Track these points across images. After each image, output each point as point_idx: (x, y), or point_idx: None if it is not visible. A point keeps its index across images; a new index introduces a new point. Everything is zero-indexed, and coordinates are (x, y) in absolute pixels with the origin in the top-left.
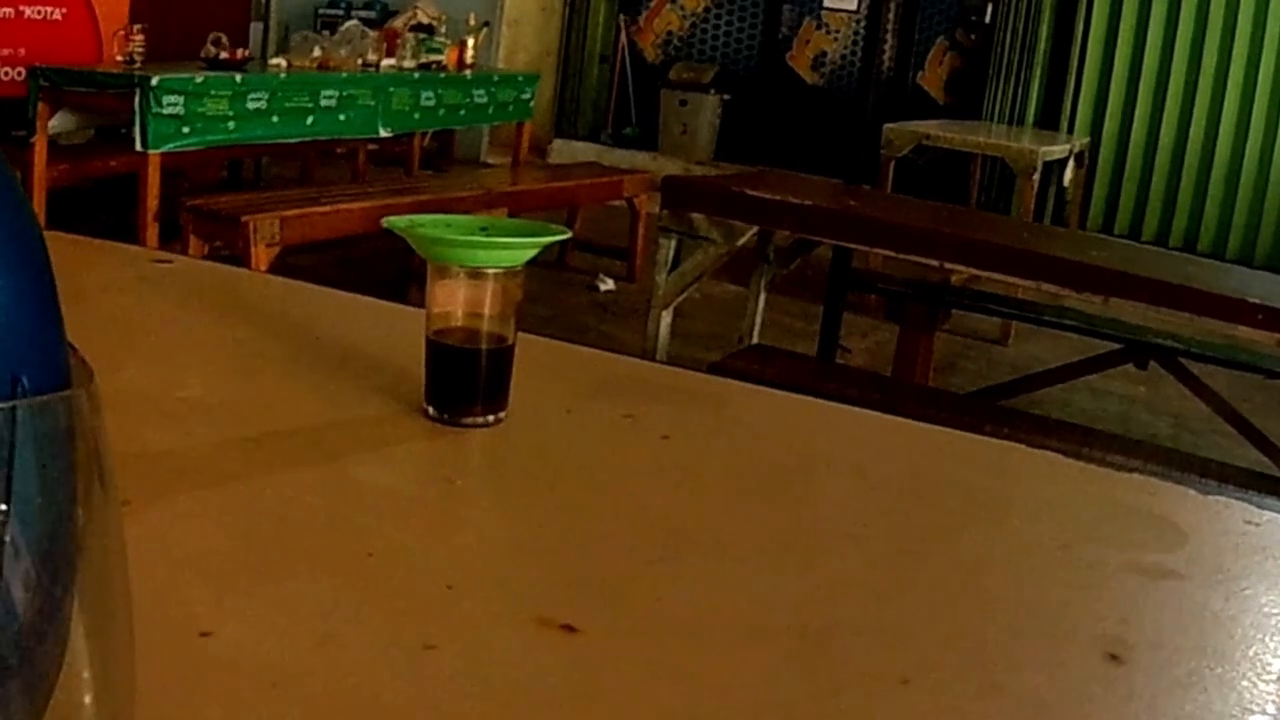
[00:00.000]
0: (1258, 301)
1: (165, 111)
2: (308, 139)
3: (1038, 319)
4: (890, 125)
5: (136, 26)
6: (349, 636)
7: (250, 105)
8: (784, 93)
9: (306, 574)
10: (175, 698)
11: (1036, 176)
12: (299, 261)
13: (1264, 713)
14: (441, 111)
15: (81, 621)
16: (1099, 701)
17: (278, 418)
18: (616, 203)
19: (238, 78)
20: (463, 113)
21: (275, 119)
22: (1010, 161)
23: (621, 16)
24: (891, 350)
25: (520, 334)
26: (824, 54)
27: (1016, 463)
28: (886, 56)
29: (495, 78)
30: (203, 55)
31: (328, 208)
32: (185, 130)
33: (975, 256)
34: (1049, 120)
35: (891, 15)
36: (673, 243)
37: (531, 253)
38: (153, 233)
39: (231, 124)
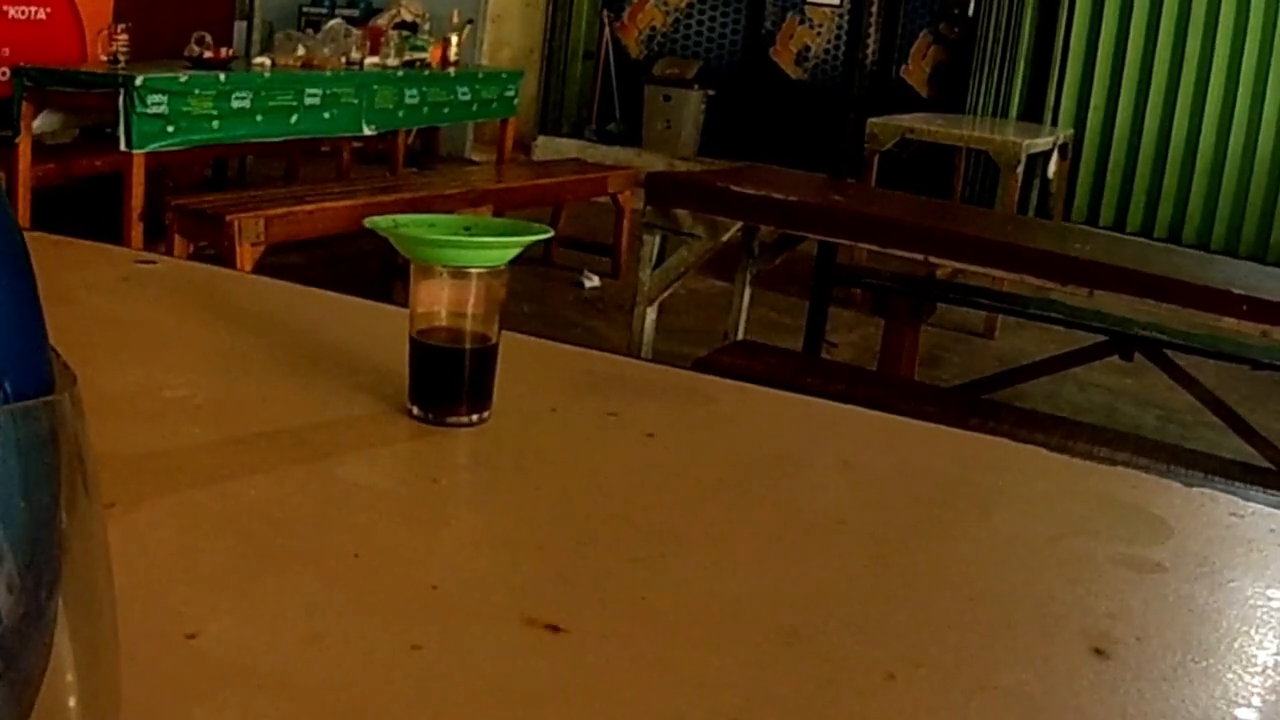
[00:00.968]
0: (1243, 292)
1: (150, 111)
2: (292, 138)
3: (1023, 312)
4: (874, 119)
5: (120, 26)
6: (335, 637)
7: (234, 104)
8: (768, 88)
9: (292, 574)
10: (161, 699)
11: (1020, 169)
12: (284, 260)
13: (1249, 705)
14: (426, 109)
15: (66, 624)
16: (1085, 695)
17: (262, 418)
18: (601, 199)
19: (222, 77)
20: (447, 110)
21: (259, 118)
22: (994, 154)
23: (605, 12)
24: (877, 344)
25: (504, 332)
26: (807, 48)
27: (1002, 457)
28: (870, 50)
29: (479, 75)
30: (187, 54)
31: (312, 207)
32: (170, 130)
33: (959, 250)
34: (1033, 113)
35: (874, 9)
36: (657, 239)
37: (514, 252)
38: (138, 232)
39: (216, 123)
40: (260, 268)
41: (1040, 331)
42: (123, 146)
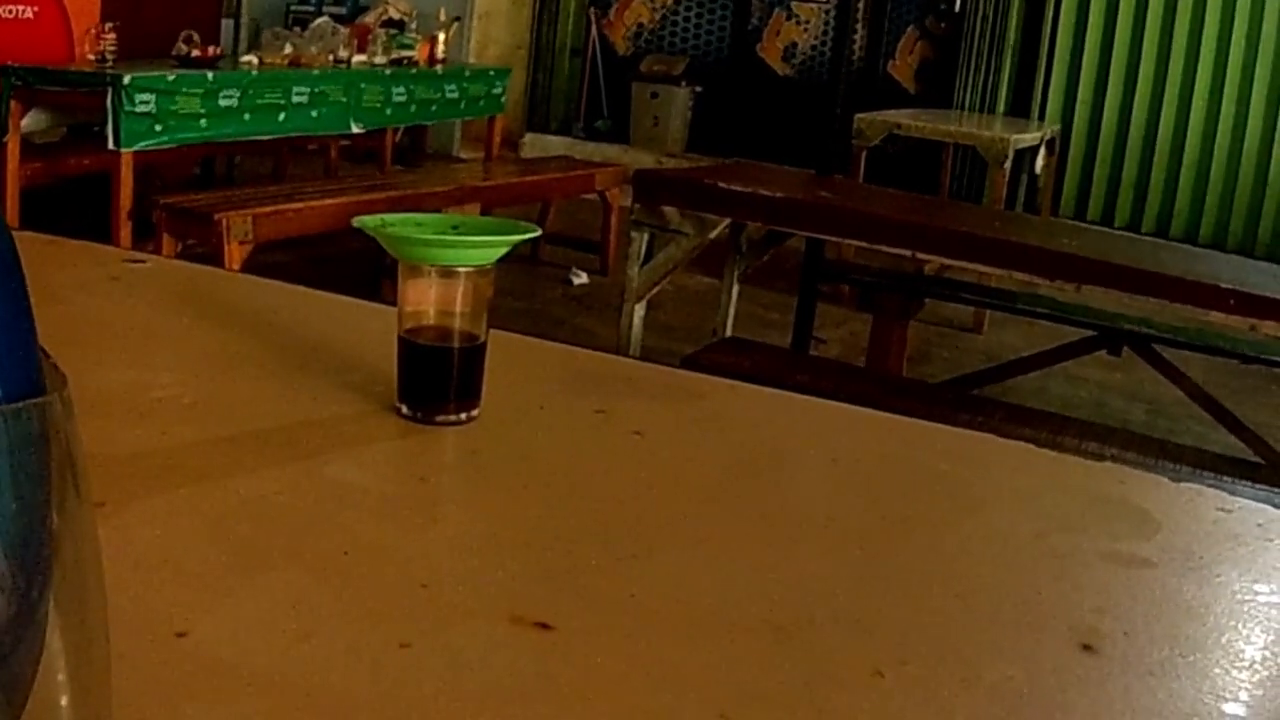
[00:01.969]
0: (1230, 287)
1: (137, 110)
2: (280, 136)
3: (1011, 307)
4: (861, 115)
5: (108, 25)
6: (324, 635)
7: (222, 103)
8: (755, 84)
9: (281, 573)
10: (152, 698)
11: (1008, 164)
12: (272, 259)
13: (1236, 700)
14: (413, 107)
15: (57, 624)
16: (1073, 690)
17: (251, 417)
18: (589, 196)
19: (209, 75)
20: (434, 108)
21: (247, 116)
22: (982, 150)
23: (592, 9)
24: (865, 340)
25: (492, 330)
26: (794, 45)
27: (990, 453)
28: (857, 46)
29: (466, 72)
30: (174, 53)
31: (300, 205)
32: (158, 128)
33: (947, 246)
34: (1020, 108)
35: (861, 4)
36: (645, 236)
37: (502, 251)
38: (126, 231)
39: (204, 122)
40: (248, 266)
41: (1028, 326)
42: (111, 145)
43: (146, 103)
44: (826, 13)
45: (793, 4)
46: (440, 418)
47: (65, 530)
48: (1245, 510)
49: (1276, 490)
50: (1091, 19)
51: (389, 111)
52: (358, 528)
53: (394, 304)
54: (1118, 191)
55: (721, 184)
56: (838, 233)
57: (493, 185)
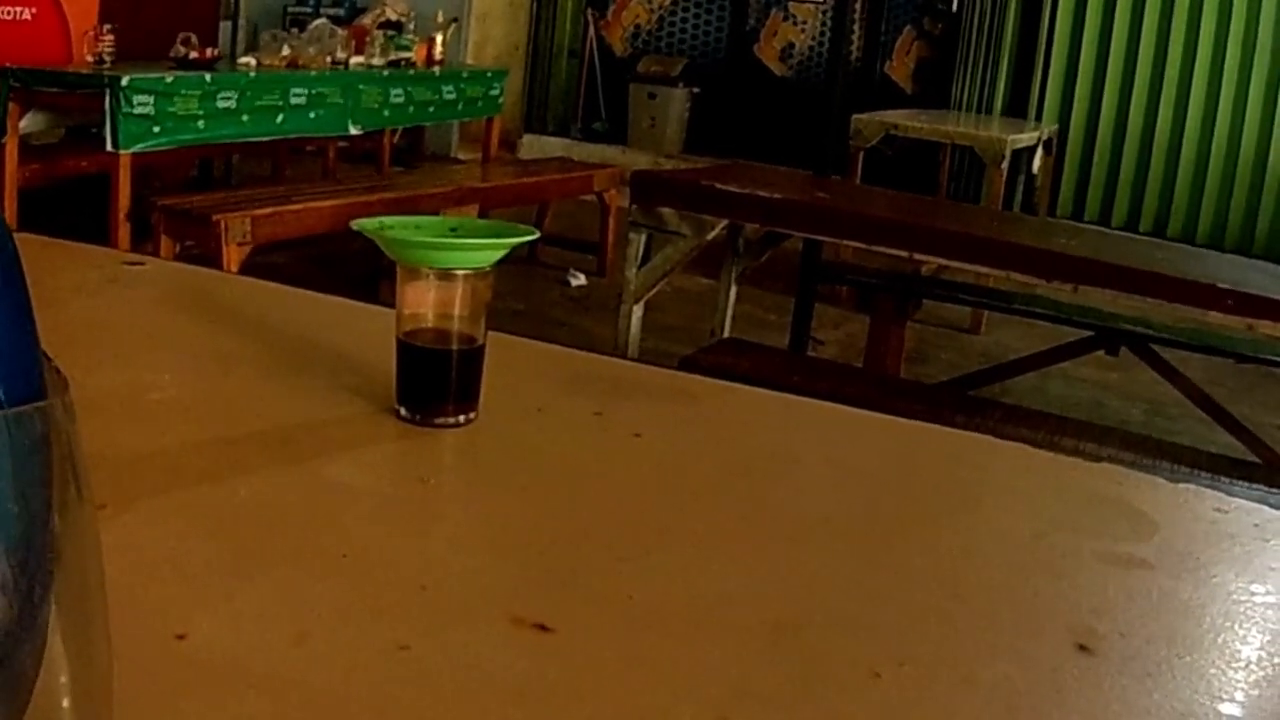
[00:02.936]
0: (1228, 287)
1: (136, 111)
2: (278, 137)
3: (1009, 307)
4: (858, 116)
5: (106, 27)
6: (323, 636)
7: (220, 104)
8: (752, 85)
9: (281, 575)
10: (152, 699)
11: (1005, 165)
12: (270, 260)
13: (1232, 700)
14: (411, 108)
15: (59, 626)
16: (1070, 690)
17: (251, 419)
18: (587, 197)
19: (207, 77)
20: (432, 109)
21: (245, 118)
22: (979, 150)
23: (589, 10)
24: (863, 341)
25: (491, 332)
26: (791, 45)
27: (987, 454)
28: (854, 47)
29: (464, 74)
30: (172, 55)
31: (299, 206)
32: (156, 130)
33: (945, 246)
34: (1017, 108)
35: (858, 5)
36: (642, 237)
37: (500, 254)
38: (124, 232)
39: (202, 123)
40: (247, 267)
41: (1026, 327)
42: (109, 147)
43: (145, 104)
44: (823, 13)
45: (790, 5)
46: (439, 420)
47: (67, 532)
48: (1242, 510)
49: (1273, 490)
50: (1088, 19)
51: (387, 113)
52: (357, 529)
53: (392, 306)
54: (1115, 191)
55: (719, 185)
56: (835, 234)
57: (490, 186)
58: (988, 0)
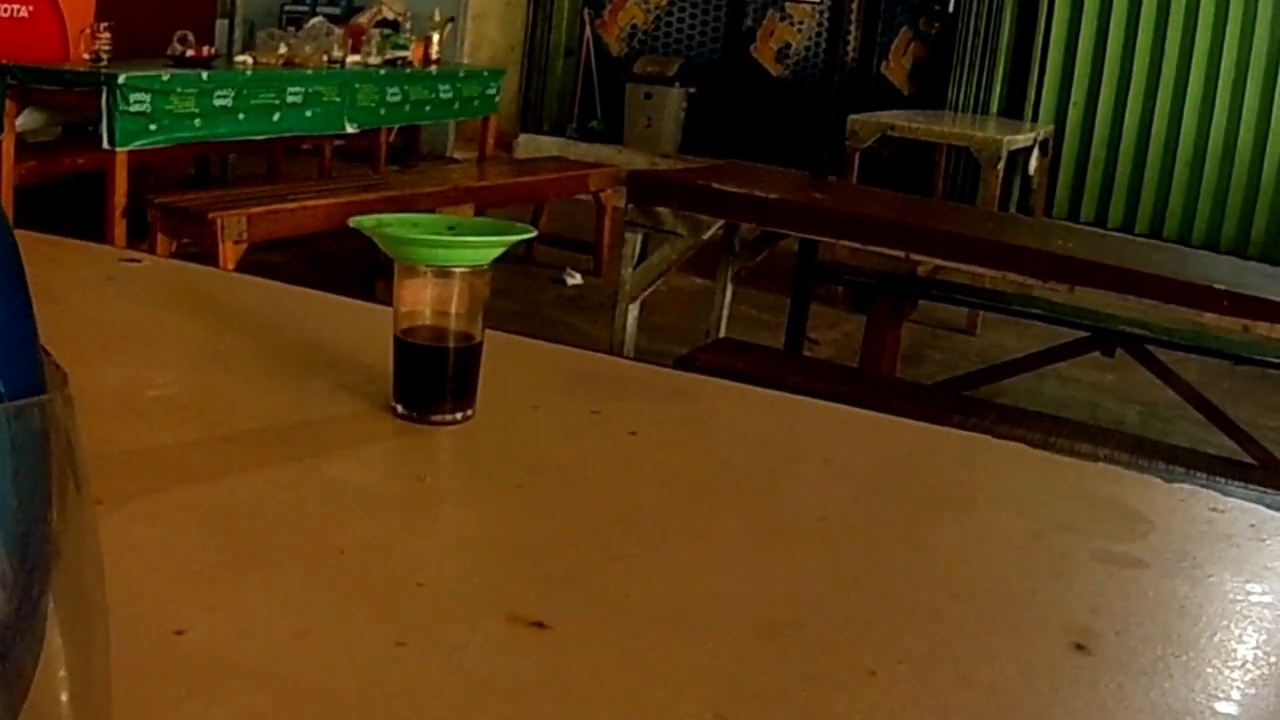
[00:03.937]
0: (1223, 288)
1: (132, 109)
2: (274, 136)
3: (1005, 308)
4: (855, 116)
5: (103, 25)
6: (321, 633)
7: (217, 102)
8: (748, 85)
9: (278, 572)
10: (151, 695)
11: (1001, 165)
12: (267, 258)
13: (1228, 699)
14: (407, 107)
15: (58, 621)
16: (1066, 690)
17: (248, 416)
18: (583, 197)
19: (204, 75)
20: (428, 108)
21: (242, 116)
22: (975, 151)
23: (586, 10)
24: (859, 341)
25: (487, 330)
26: (788, 45)
27: (983, 454)
28: (850, 47)
29: (460, 73)
30: (169, 53)
31: (295, 205)
32: (152, 128)
33: (941, 247)
34: (1013, 109)
35: (855, 5)
36: (638, 237)
37: (497, 252)
38: (121, 230)
39: (198, 121)
40: (243, 266)
41: (1022, 328)
42: (105, 144)
43: (141, 102)
44: (820, 14)
45: (786, 5)
46: (436, 417)
47: (66, 528)
48: (1238, 510)
49: (1269, 491)
50: (1085, 20)
51: (383, 112)
52: (354, 527)
53: (389, 304)
54: (1111, 192)
55: (715, 185)
56: (831, 234)
57: (487, 186)
58: (984, 1)
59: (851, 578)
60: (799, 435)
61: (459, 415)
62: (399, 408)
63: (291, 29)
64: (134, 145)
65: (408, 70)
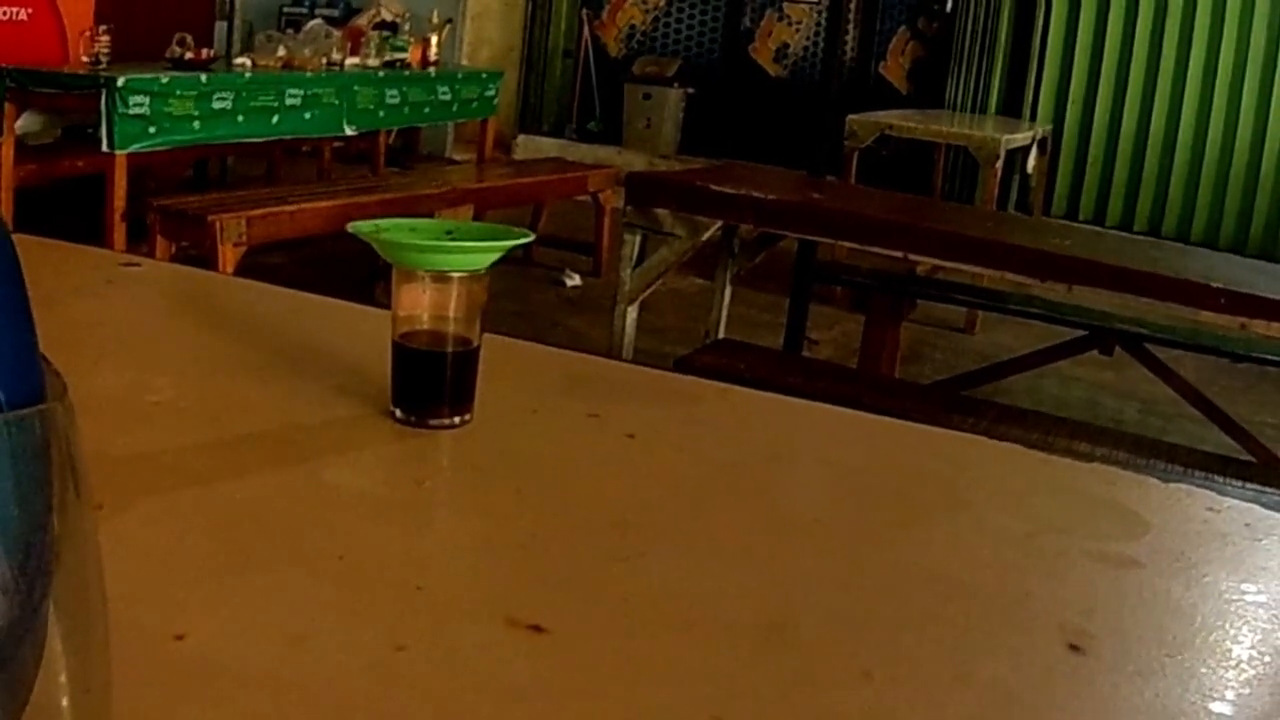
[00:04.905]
0: (1221, 285)
1: (131, 112)
2: (273, 138)
3: (1003, 307)
4: (853, 116)
5: (102, 27)
6: (320, 637)
7: (216, 105)
8: (747, 85)
9: (278, 575)
10: (151, 699)
11: (1000, 164)
12: (266, 261)
13: (1223, 699)
14: (406, 109)
15: (58, 626)
16: (1061, 690)
17: (246, 421)
18: (582, 198)
19: (203, 78)
20: (427, 110)
21: (241, 118)
22: (973, 150)
23: (584, 11)
24: (858, 341)
25: (485, 334)
26: (786, 46)
27: (980, 454)
28: (848, 47)
29: (459, 75)
30: (168, 55)
31: (294, 207)
32: (151, 130)
33: (939, 247)
34: (1011, 108)
35: (853, 5)
36: (637, 238)
37: (495, 256)
38: (120, 233)
39: (197, 124)
40: (242, 268)
41: (1021, 327)
42: (105, 147)
43: (140, 105)
44: (818, 14)
45: (784, 5)
46: (434, 421)
47: (66, 534)
48: (1234, 510)
49: (1267, 489)
50: (1082, 19)
51: (382, 114)
52: (353, 531)
53: (387, 308)
54: (1109, 191)
55: (714, 186)
56: (830, 234)
57: (486, 187)
58: (982, 1)
59: (848, 578)
60: (798, 436)
61: (457, 419)
62: (397, 412)
63: (290, 31)
64: (133, 148)
65: (406, 72)
